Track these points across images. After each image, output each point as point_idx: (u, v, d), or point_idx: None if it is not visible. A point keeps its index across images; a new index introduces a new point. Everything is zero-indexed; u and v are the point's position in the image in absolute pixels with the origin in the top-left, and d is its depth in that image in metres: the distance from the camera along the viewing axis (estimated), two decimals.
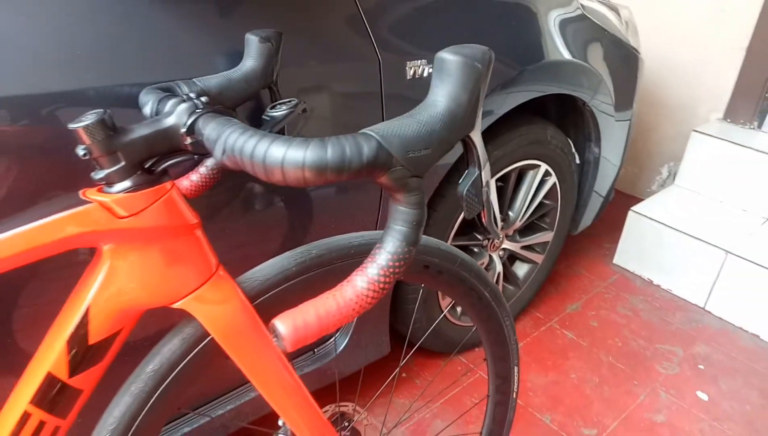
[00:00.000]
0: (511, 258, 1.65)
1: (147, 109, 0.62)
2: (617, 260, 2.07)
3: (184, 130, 0.54)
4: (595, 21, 1.48)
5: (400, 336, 1.41)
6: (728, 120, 2.17)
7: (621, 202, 2.36)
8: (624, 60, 1.62)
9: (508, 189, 1.45)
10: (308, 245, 0.70)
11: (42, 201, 0.71)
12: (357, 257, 0.73)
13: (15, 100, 0.65)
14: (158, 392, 0.62)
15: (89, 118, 0.51)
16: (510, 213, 1.50)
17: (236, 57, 0.79)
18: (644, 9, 2.23)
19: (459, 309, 1.52)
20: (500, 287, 1.61)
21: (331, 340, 1.22)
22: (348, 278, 0.48)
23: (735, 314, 1.80)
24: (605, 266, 2.07)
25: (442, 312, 1.46)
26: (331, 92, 0.94)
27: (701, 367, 1.63)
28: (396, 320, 1.36)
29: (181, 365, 0.63)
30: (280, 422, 0.83)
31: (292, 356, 1.19)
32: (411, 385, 1.49)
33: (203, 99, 0.56)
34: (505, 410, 1.03)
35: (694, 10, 2.15)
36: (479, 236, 1.47)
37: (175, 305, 0.60)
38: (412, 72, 1.03)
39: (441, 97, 0.47)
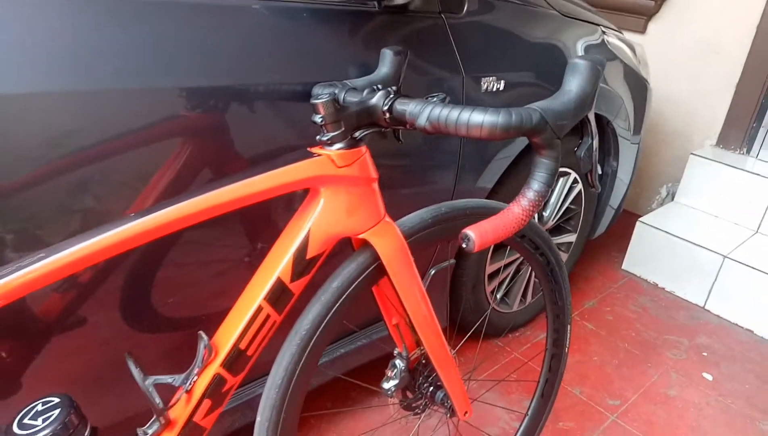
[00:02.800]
0: None
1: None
2: (625, 265, 2.32)
3: (385, 108, 0.78)
4: (615, 52, 1.76)
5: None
6: (720, 146, 2.47)
7: (624, 218, 2.62)
8: (638, 88, 1.90)
9: None
10: (438, 205, 0.94)
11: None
12: (471, 216, 0.96)
13: (253, 89, 0.89)
14: (338, 303, 0.84)
15: (324, 97, 0.75)
16: (544, 213, 1.74)
17: (364, 67, 1.04)
18: (649, 47, 2.54)
19: (499, 296, 1.75)
20: (531, 281, 1.85)
21: None
22: (511, 204, 0.71)
23: (731, 312, 2.05)
24: (615, 271, 2.32)
25: (488, 299, 1.68)
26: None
27: (705, 354, 1.87)
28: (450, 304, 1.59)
29: (354, 284, 0.85)
30: (395, 352, 1.05)
31: (369, 322, 1.40)
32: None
33: (393, 88, 0.80)
34: (559, 362, 1.26)
35: (691, 50, 2.46)
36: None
37: (360, 236, 0.82)
38: (485, 86, 1.28)
39: (574, 87, 0.71)
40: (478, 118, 0.68)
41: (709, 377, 1.76)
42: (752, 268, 1.95)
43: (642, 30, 2.59)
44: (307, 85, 0.96)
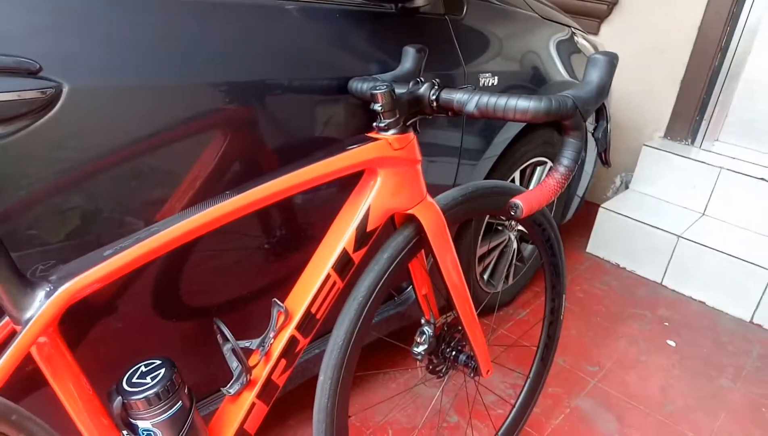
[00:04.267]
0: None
1: (364, 89, 0.99)
2: (589, 248, 2.52)
3: (433, 97, 0.89)
4: (582, 49, 1.94)
5: None
6: (668, 137, 2.71)
7: (584, 206, 2.83)
8: None
9: (524, 182, 1.85)
10: (467, 184, 1.05)
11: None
12: (494, 195, 1.08)
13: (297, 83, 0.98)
14: (388, 272, 0.94)
15: (383, 88, 0.86)
16: None
17: (384, 62, 1.15)
18: (604, 48, 2.76)
19: (485, 276, 1.89)
20: (513, 264, 2.00)
21: (409, 289, 1.55)
22: (546, 178, 0.84)
23: (685, 287, 2.28)
24: (580, 254, 2.52)
25: (478, 280, 1.82)
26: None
27: (666, 324, 2.07)
28: None
29: (401, 255, 0.96)
30: (422, 320, 1.16)
31: (383, 300, 1.50)
32: None
33: (437, 80, 0.91)
34: (556, 328, 1.41)
35: (640, 51, 2.69)
36: (503, 219, 1.85)
37: (409, 211, 0.93)
38: (482, 82, 1.41)
39: (595, 78, 0.85)
40: (524, 104, 0.80)
41: (672, 344, 1.96)
42: (703, 245, 2.18)
43: (596, 32, 2.81)
44: (341, 80, 1.06)
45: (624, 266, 2.44)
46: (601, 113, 0.90)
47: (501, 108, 0.82)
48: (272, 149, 0.99)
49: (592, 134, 0.91)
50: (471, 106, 0.85)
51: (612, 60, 0.84)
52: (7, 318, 0.67)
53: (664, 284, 2.34)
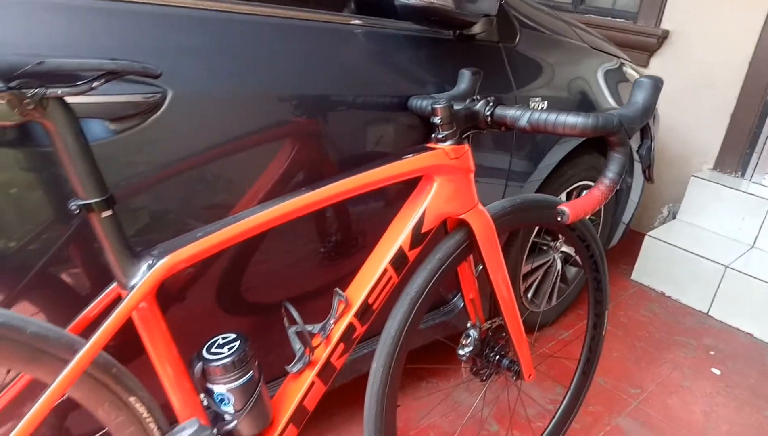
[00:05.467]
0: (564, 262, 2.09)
1: (423, 106, 1.08)
2: (634, 276, 2.53)
3: (488, 113, 0.98)
4: (630, 79, 2.00)
5: None
6: (717, 169, 2.71)
7: (629, 236, 2.84)
8: None
9: None
10: (514, 197, 1.13)
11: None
12: (540, 208, 1.16)
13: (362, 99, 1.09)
14: (439, 272, 1.02)
15: (442, 103, 0.95)
16: None
17: (440, 83, 1.24)
18: None
19: (529, 295, 1.93)
20: (557, 285, 2.04)
21: (454, 300, 1.62)
22: (592, 189, 0.91)
23: (732, 318, 2.26)
24: (625, 281, 2.53)
25: (522, 298, 1.87)
26: None
27: (711, 353, 2.06)
28: None
29: (451, 257, 1.04)
30: (468, 324, 1.23)
31: (428, 310, 1.58)
32: None
33: (491, 98, 1.00)
34: (598, 343, 1.44)
35: (689, 83, 2.72)
36: (548, 238, 1.91)
37: (461, 216, 1.02)
38: (532, 106, 1.49)
39: (640, 99, 0.92)
40: (573, 120, 0.88)
41: (717, 372, 1.95)
42: (752, 277, 2.17)
43: (645, 64, 2.86)
44: (402, 98, 1.17)
45: (669, 294, 2.44)
46: (645, 132, 0.97)
47: (551, 123, 0.90)
48: (338, 155, 1.10)
49: (637, 151, 0.98)
50: (523, 121, 0.93)
51: (657, 83, 0.91)
52: (114, 284, 0.78)
53: (710, 314, 2.32)
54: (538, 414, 1.66)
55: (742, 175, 2.66)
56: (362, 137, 1.12)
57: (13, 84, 0.60)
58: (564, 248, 2.00)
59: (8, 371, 0.80)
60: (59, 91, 0.63)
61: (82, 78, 0.67)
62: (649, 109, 0.91)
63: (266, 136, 0.98)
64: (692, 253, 2.34)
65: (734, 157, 2.65)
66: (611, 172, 0.91)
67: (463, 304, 1.63)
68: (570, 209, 0.88)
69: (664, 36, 2.73)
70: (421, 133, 1.21)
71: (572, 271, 2.12)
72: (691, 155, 2.80)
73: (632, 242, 2.53)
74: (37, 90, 0.61)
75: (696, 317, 2.30)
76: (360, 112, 1.11)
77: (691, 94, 2.73)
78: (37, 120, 0.64)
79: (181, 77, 0.88)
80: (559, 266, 1.99)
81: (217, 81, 0.91)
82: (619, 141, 0.89)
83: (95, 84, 0.65)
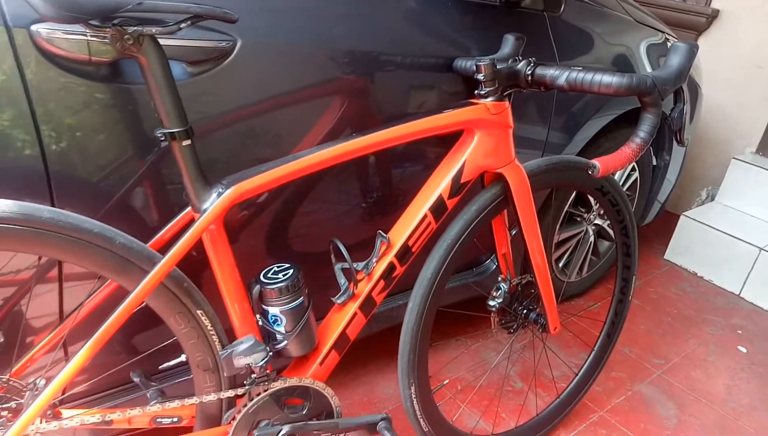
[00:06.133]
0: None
1: (468, 67, 1.15)
2: (668, 255, 2.55)
3: (528, 72, 1.04)
4: None
5: None
6: (760, 153, 2.69)
7: (665, 216, 2.85)
8: (692, 90, 2.14)
9: None
10: (549, 157, 1.19)
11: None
12: (574, 168, 1.21)
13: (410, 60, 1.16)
14: (474, 222, 1.10)
15: (486, 60, 1.02)
16: None
17: (486, 47, 1.30)
18: (699, 59, 2.77)
19: (560, 265, 1.99)
20: (588, 257, 2.09)
21: (488, 261, 1.70)
22: (623, 146, 0.97)
23: (764, 300, 2.27)
24: (658, 260, 2.55)
25: (553, 266, 1.93)
26: None
27: (739, 332, 2.09)
28: None
29: (487, 209, 1.11)
30: (499, 278, 1.30)
31: (461, 269, 1.66)
32: None
33: (533, 59, 1.06)
34: (624, 307, 1.50)
35: (736, 64, 2.69)
36: (582, 210, 1.96)
37: (498, 170, 1.09)
38: None
39: (675, 63, 0.96)
40: (609, 79, 0.93)
41: (744, 350, 1.98)
42: None
43: None
44: (448, 59, 1.23)
45: (702, 274, 2.45)
46: (678, 96, 1.02)
47: (588, 82, 0.96)
48: (386, 107, 1.18)
49: (670, 114, 1.03)
50: (561, 80, 0.99)
51: (692, 48, 0.96)
52: (187, 209, 0.89)
53: (741, 295, 2.33)
54: (563, 376, 1.73)
55: None
56: (408, 94, 1.20)
57: (116, 21, 0.70)
58: (597, 221, 2.04)
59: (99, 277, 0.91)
60: (153, 29, 0.72)
61: (168, 21, 0.76)
62: (683, 73, 0.96)
63: (321, 88, 1.06)
64: (727, 233, 2.34)
65: None
66: (642, 131, 0.96)
67: (494, 266, 1.71)
68: (601, 163, 0.95)
69: (714, 15, 2.70)
70: (464, 94, 1.28)
71: (605, 245, 2.16)
72: (735, 138, 2.78)
73: (668, 223, 2.55)
74: (135, 27, 0.71)
75: (727, 297, 2.32)
76: (407, 73, 1.19)
77: (739, 76, 2.70)
78: (133, 55, 0.74)
79: (249, 27, 0.97)
80: (592, 238, 2.04)
81: (280, 35, 1.00)
82: (652, 102, 0.94)
83: (183, 25, 0.74)
